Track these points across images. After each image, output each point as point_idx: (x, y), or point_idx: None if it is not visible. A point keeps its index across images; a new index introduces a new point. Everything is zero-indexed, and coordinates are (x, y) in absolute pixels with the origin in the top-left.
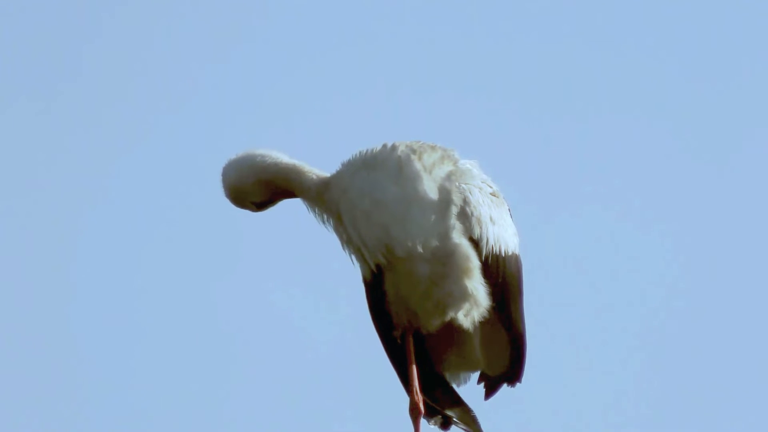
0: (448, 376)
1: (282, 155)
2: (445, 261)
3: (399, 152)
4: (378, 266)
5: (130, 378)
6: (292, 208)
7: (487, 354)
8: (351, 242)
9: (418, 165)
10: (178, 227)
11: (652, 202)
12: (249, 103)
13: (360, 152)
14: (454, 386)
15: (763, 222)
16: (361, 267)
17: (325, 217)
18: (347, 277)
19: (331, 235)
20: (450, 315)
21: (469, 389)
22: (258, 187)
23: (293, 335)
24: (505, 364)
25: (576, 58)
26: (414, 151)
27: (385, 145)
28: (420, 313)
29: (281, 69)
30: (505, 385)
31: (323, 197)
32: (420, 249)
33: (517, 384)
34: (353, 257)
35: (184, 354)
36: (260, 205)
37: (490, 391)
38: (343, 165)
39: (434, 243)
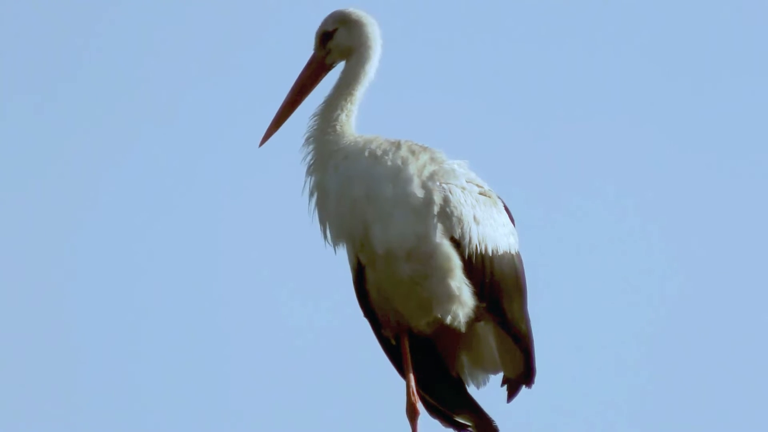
0: (464, 376)
1: (372, 65)
2: (426, 261)
3: (402, 153)
4: (360, 264)
5: (125, 376)
6: (293, 207)
7: (503, 355)
8: (318, 187)
9: (413, 169)
10: (173, 226)
11: (656, 202)
12: (248, 102)
13: (377, 138)
14: (473, 388)
15: (763, 221)
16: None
17: (315, 137)
18: (346, 276)
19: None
20: (436, 314)
21: (485, 392)
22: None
23: (291, 335)
24: (522, 365)
25: (576, 58)
26: (413, 153)
27: (393, 143)
28: (405, 312)
29: (280, 68)
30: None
31: (336, 130)
32: (398, 248)
33: (533, 385)
34: (307, 192)
35: (182, 354)
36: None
37: (511, 393)
38: (364, 137)
39: (413, 243)
